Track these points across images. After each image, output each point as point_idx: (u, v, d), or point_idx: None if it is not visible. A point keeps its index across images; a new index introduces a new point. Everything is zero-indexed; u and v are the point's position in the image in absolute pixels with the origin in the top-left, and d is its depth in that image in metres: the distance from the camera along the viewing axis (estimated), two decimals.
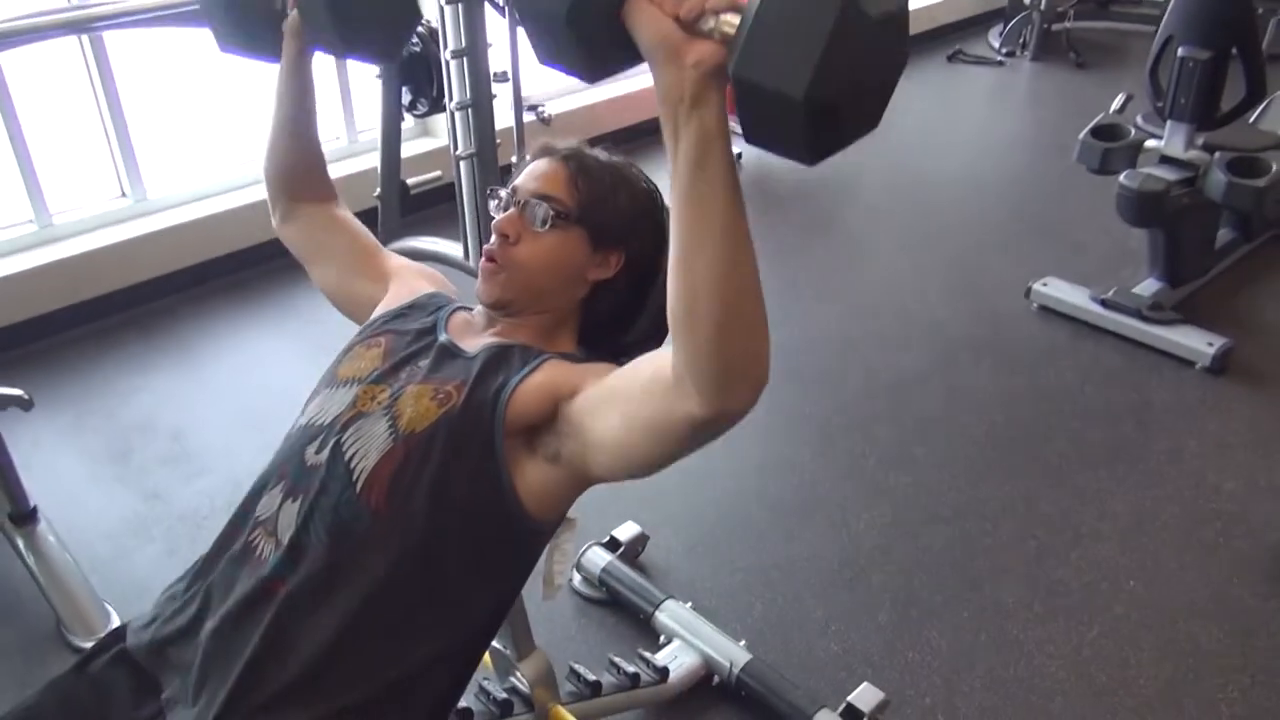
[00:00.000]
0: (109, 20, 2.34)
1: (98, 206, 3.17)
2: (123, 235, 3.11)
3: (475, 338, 1.22)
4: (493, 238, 1.19)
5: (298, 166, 1.43)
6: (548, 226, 1.17)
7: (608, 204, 1.20)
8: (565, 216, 1.18)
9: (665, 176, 0.87)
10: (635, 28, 0.79)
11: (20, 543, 2.13)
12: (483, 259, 1.20)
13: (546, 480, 1.09)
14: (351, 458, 1.08)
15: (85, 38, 2.93)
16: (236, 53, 1.41)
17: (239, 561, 1.11)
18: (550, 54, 0.85)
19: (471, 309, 1.29)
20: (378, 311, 1.32)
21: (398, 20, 1.33)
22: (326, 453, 1.11)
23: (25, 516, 2.16)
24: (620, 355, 1.15)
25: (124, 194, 3.20)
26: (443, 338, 1.21)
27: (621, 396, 1.00)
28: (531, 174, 1.22)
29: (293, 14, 1.32)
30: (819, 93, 0.70)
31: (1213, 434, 2.63)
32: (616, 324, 1.25)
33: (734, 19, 0.75)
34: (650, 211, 1.23)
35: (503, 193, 1.22)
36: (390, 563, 1.05)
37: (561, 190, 1.19)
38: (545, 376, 1.10)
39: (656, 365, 0.93)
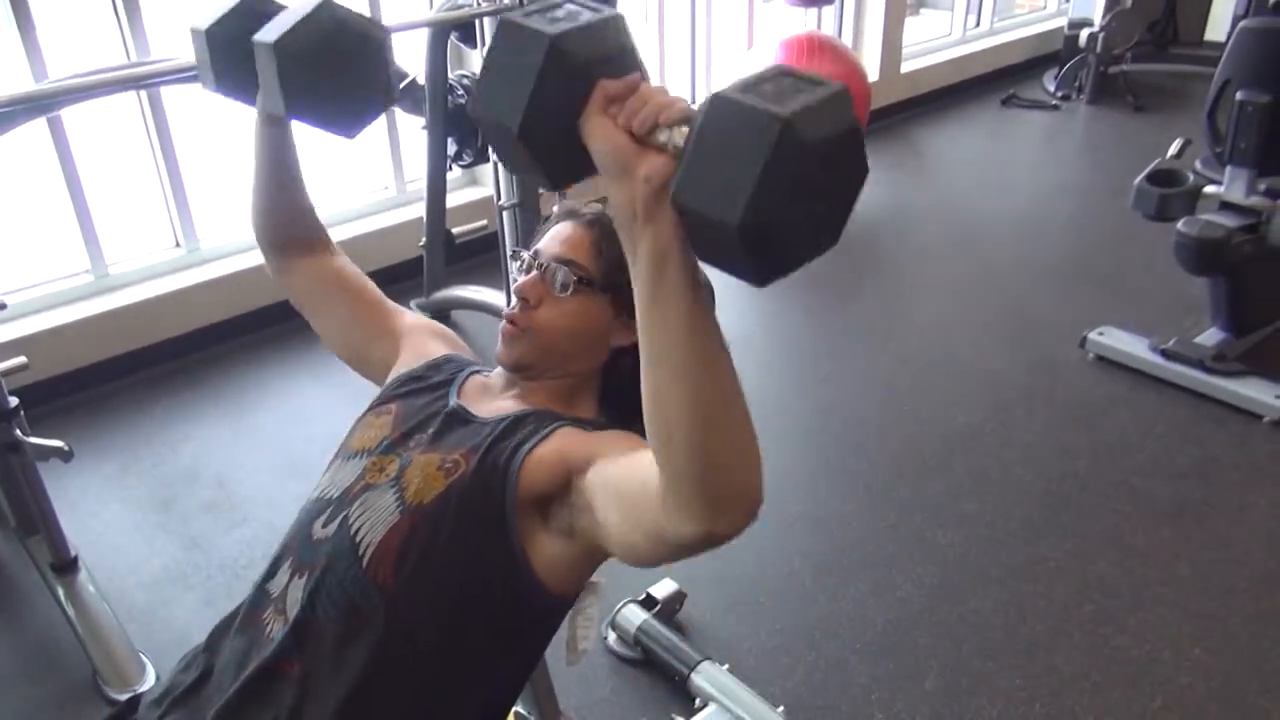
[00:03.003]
0: (166, 76, 2.40)
1: (152, 257, 3.24)
2: (175, 285, 3.16)
3: (491, 402, 1.18)
4: (513, 301, 1.16)
5: (281, 219, 1.35)
6: (569, 292, 1.14)
7: None
8: (588, 283, 1.15)
9: None
10: (589, 140, 0.76)
11: (60, 592, 2.14)
12: (503, 322, 1.17)
13: (562, 554, 1.05)
14: (357, 531, 1.05)
15: (143, 93, 3.01)
16: (224, 93, 1.31)
17: (249, 639, 1.08)
18: (511, 163, 0.83)
19: (488, 372, 1.27)
20: (392, 375, 1.30)
21: (358, 98, 1.20)
22: (334, 527, 1.08)
23: (66, 566, 2.17)
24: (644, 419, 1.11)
25: (178, 244, 3.26)
26: (452, 403, 1.18)
27: (622, 493, 0.94)
28: (554, 237, 1.19)
29: None
30: (755, 221, 0.67)
31: None
32: (639, 389, 1.21)
33: (687, 132, 0.72)
34: None
35: (525, 255, 1.19)
36: (402, 639, 1.02)
37: (585, 256, 1.16)
38: (557, 444, 1.06)
39: (647, 472, 0.86)
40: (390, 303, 1.40)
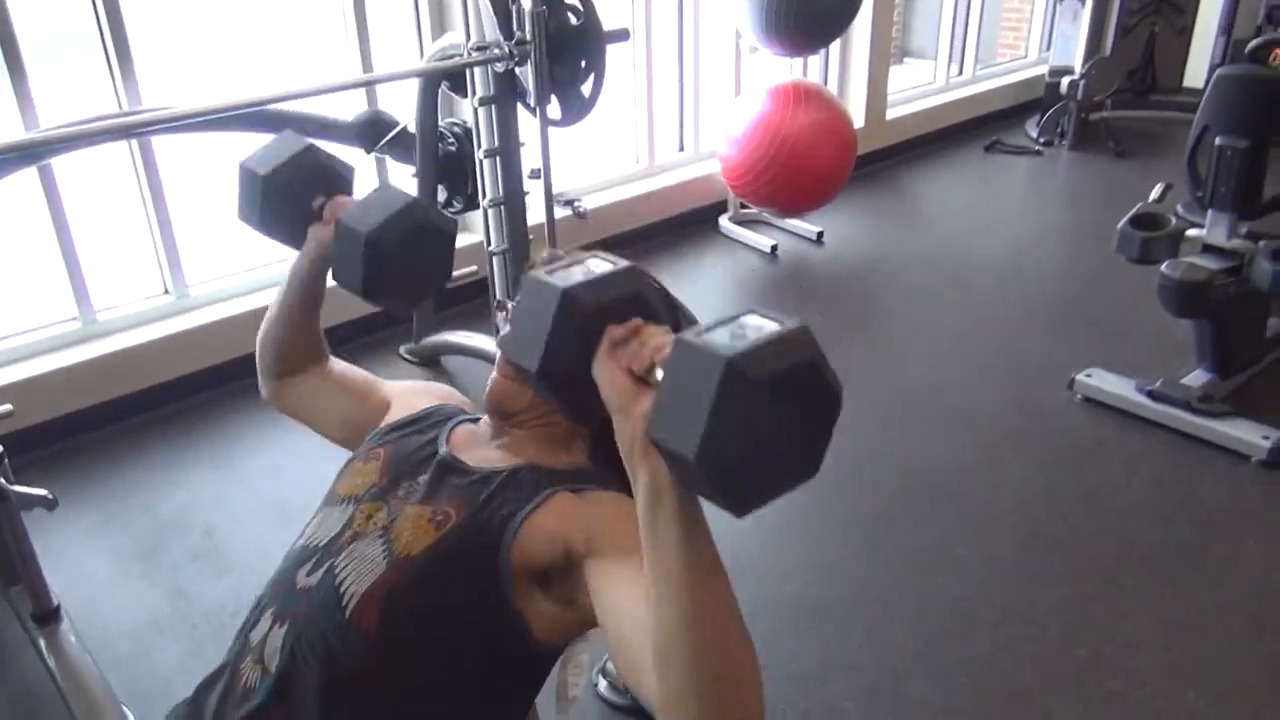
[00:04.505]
0: (157, 125, 2.42)
1: (140, 303, 3.23)
2: (164, 331, 3.15)
3: (480, 450, 1.18)
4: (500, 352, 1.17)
5: (295, 348, 1.41)
6: None
7: None
8: None
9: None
10: (598, 381, 0.82)
11: (42, 643, 2.11)
12: (494, 372, 1.17)
13: (563, 618, 1.04)
14: (342, 581, 1.05)
15: (134, 141, 3.02)
16: (253, 226, 1.37)
17: (227, 692, 1.06)
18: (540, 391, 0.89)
19: (477, 419, 1.27)
20: (381, 424, 1.30)
21: (422, 285, 1.32)
22: (319, 575, 1.07)
23: (48, 615, 2.14)
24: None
25: (166, 291, 3.26)
26: (443, 452, 1.17)
27: (620, 638, 0.93)
28: None
29: (326, 228, 1.30)
30: (712, 457, 0.70)
31: (1274, 532, 2.50)
32: None
33: None
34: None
35: (510, 305, 1.20)
36: (384, 690, 1.01)
37: None
38: (554, 520, 1.05)
39: (639, 650, 0.86)
40: (376, 380, 1.46)
